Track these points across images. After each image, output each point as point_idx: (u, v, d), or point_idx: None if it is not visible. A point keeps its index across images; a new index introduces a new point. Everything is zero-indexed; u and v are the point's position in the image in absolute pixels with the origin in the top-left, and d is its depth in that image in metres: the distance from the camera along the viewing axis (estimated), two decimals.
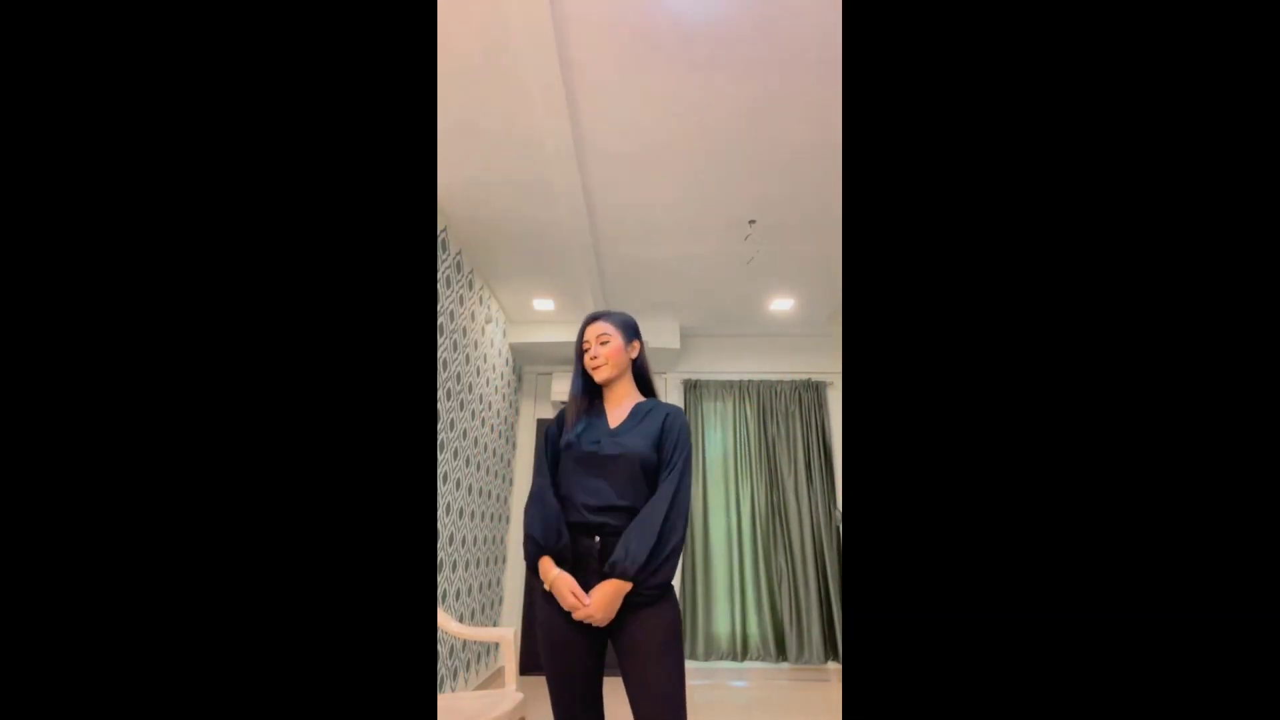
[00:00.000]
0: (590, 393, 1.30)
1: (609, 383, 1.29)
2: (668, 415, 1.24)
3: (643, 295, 3.67)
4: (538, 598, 1.20)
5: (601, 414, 1.28)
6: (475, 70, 1.91)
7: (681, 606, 3.39)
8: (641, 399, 1.31)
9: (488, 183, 2.52)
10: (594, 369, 1.27)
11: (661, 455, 1.20)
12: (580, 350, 1.30)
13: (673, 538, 1.13)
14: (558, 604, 1.14)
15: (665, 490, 1.15)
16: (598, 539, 1.15)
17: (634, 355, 1.31)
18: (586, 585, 1.13)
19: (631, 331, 1.31)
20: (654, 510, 1.13)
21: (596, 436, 1.22)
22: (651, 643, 1.10)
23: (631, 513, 1.16)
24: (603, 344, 1.26)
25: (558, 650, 1.15)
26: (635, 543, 1.09)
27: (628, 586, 1.09)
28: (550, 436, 1.30)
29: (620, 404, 1.29)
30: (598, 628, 1.13)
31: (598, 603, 1.09)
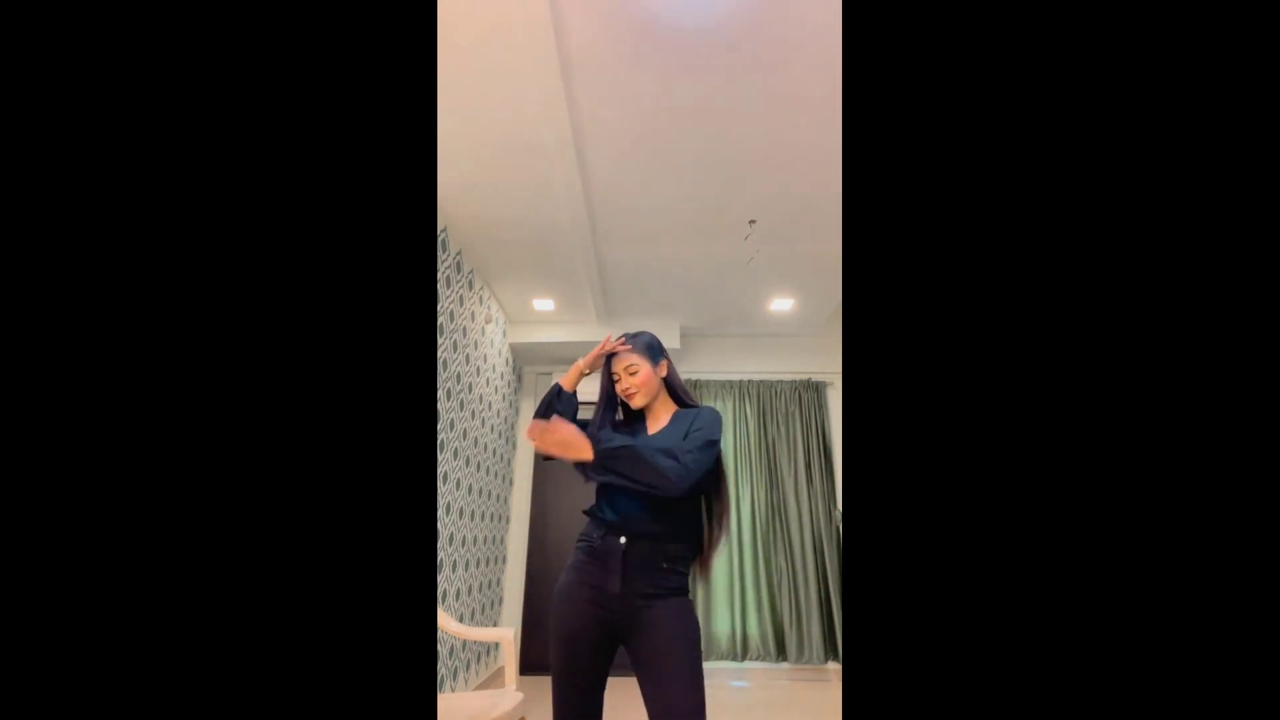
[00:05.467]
0: (630, 416, 1.34)
1: (646, 406, 1.31)
2: (699, 413, 1.25)
3: (643, 295, 3.67)
4: (556, 597, 1.20)
5: (643, 430, 1.30)
6: (475, 70, 1.91)
7: None
8: (679, 409, 1.33)
9: (488, 183, 2.52)
10: (629, 397, 1.29)
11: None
12: (610, 380, 1.31)
13: (660, 470, 1.07)
14: (574, 603, 1.15)
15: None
16: (623, 539, 1.15)
17: (663, 375, 1.32)
18: (605, 585, 1.13)
19: (657, 352, 1.33)
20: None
21: (635, 441, 1.24)
22: (672, 655, 1.08)
23: (663, 515, 1.16)
24: (632, 374, 1.28)
25: (571, 647, 1.15)
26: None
27: (579, 447, 1.08)
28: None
29: (659, 420, 1.31)
30: (616, 628, 1.13)
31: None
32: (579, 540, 1.23)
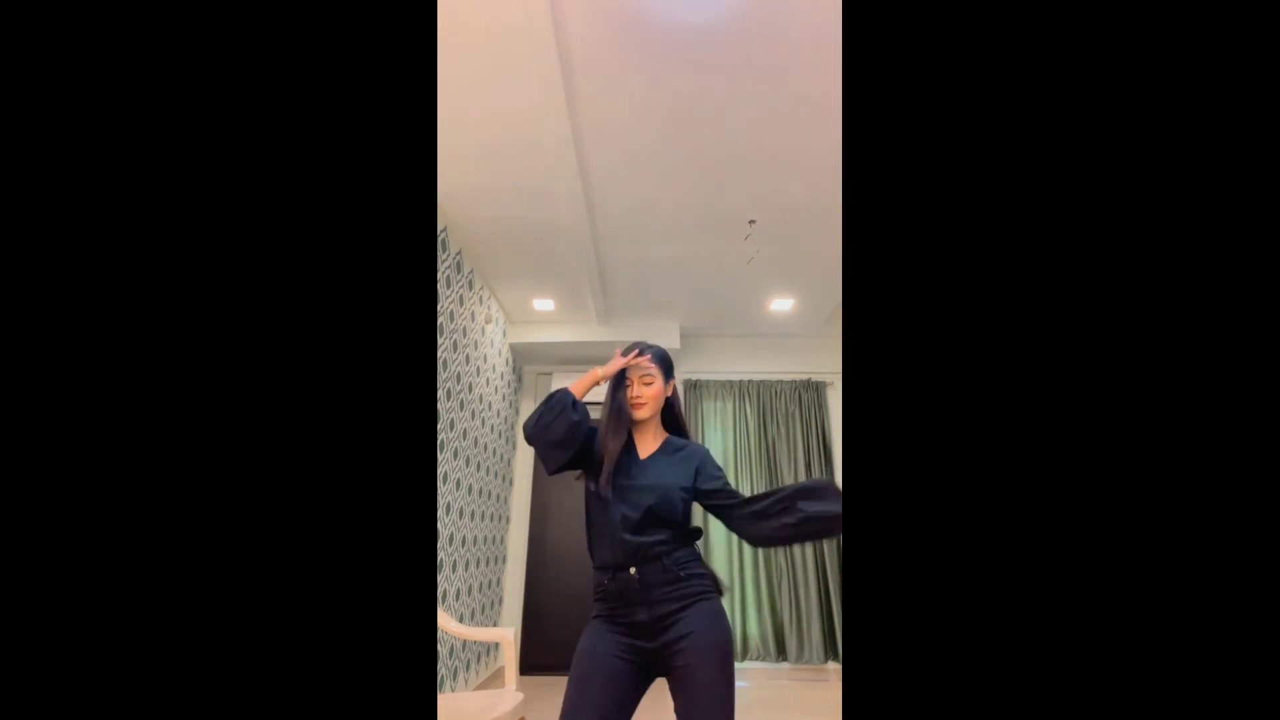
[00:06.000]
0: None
1: (644, 421, 1.30)
2: (695, 448, 1.30)
3: (643, 295, 3.67)
4: (583, 639, 1.16)
5: (631, 448, 1.28)
6: (475, 70, 1.91)
7: None
8: (667, 435, 1.32)
9: (488, 183, 2.52)
10: (637, 407, 1.27)
11: (705, 483, 1.25)
12: (620, 383, 1.28)
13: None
14: (604, 637, 1.14)
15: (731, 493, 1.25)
16: (633, 570, 1.14)
17: (669, 394, 1.32)
18: (632, 618, 1.13)
19: (669, 370, 1.32)
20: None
21: (628, 467, 1.23)
22: (701, 670, 1.09)
23: (665, 537, 1.16)
24: (646, 384, 1.27)
25: (598, 681, 1.10)
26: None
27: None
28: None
29: (648, 439, 1.30)
30: (651, 657, 1.13)
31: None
32: (595, 593, 1.21)
